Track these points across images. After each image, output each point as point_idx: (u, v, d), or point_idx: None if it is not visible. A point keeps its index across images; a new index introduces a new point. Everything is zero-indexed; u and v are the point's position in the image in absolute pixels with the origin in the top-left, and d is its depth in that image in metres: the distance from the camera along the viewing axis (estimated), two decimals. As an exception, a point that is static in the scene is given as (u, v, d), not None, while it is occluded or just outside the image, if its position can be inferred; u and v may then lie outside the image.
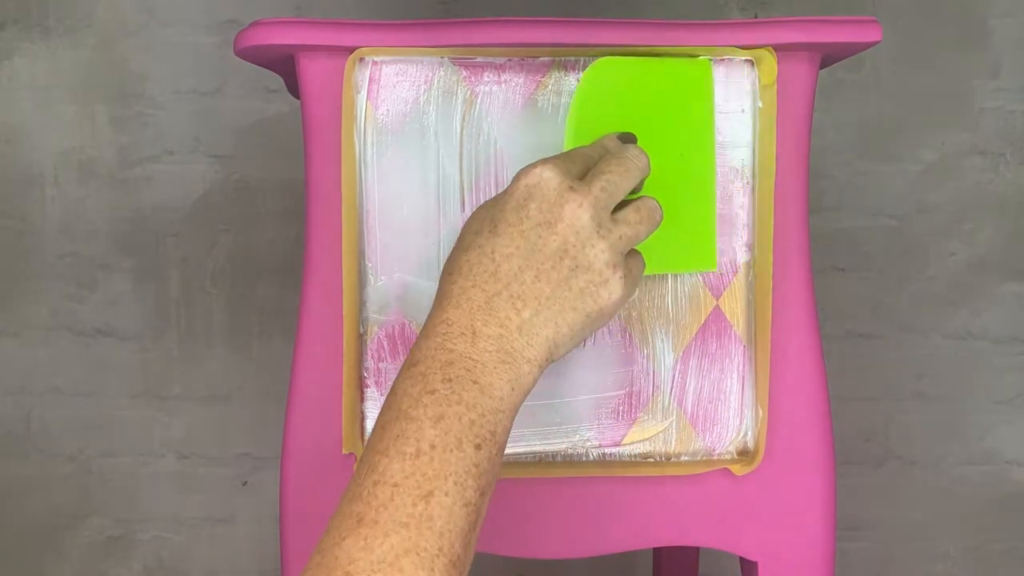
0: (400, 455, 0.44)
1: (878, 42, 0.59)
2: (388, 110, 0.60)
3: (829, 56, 0.62)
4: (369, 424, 0.62)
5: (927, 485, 1.22)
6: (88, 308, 1.21)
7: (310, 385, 0.61)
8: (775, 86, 0.60)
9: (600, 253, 0.49)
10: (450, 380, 0.46)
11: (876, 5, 1.18)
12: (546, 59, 0.60)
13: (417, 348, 0.48)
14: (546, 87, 0.60)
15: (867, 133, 1.19)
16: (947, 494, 1.22)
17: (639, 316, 0.62)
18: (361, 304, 0.61)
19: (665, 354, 0.62)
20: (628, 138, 0.56)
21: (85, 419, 1.22)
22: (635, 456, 0.62)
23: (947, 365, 1.21)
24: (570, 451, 0.62)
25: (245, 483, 1.23)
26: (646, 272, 0.56)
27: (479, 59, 0.60)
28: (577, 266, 0.49)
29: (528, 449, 0.62)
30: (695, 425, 0.63)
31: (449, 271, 0.50)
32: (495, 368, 0.47)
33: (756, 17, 1.18)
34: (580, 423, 0.62)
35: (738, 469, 0.62)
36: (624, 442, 0.62)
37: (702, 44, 0.59)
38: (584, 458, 0.62)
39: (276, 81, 0.75)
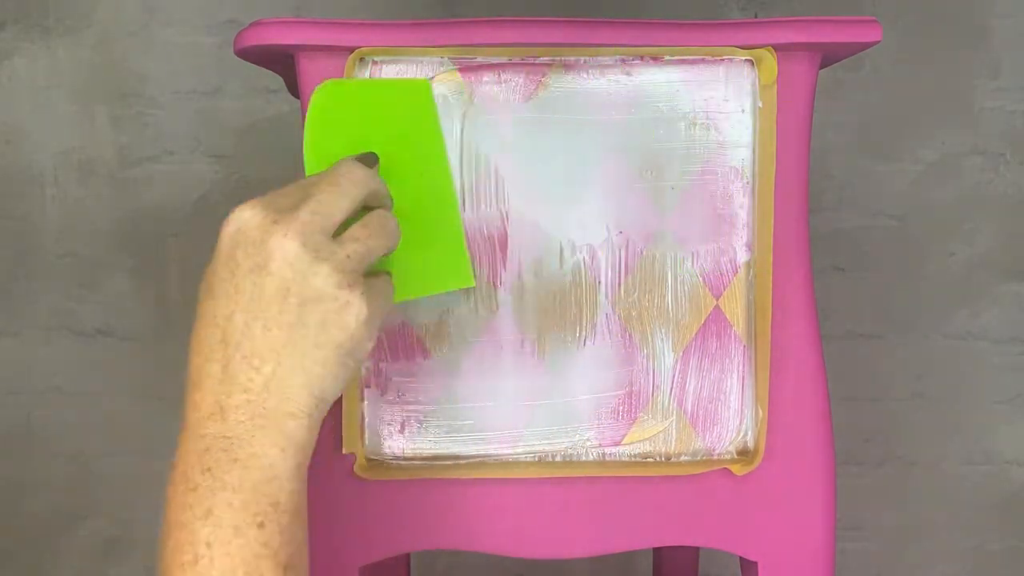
0: (180, 568, 0.41)
1: (878, 42, 0.59)
2: (388, 110, 0.60)
3: (829, 56, 0.62)
4: (369, 424, 0.62)
5: (927, 485, 1.22)
6: (88, 308, 1.21)
7: (310, 385, 0.61)
8: (775, 86, 0.60)
9: (326, 278, 0.45)
10: (209, 469, 0.43)
11: (876, 5, 1.18)
12: (546, 59, 0.60)
13: (177, 446, 0.45)
14: (546, 87, 0.60)
15: (867, 133, 1.19)
16: (947, 494, 1.22)
17: (639, 316, 0.62)
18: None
19: (665, 354, 0.62)
20: (368, 159, 0.53)
21: (85, 419, 1.22)
22: (635, 456, 0.62)
23: (947, 365, 1.21)
24: (570, 451, 0.62)
25: (245, 483, 1.23)
26: (405, 298, 0.54)
27: (479, 59, 0.60)
28: (305, 300, 0.45)
29: (528, 449, 0.62)
30: (695, 425, 0.63)
31: (189, 351, 0.47)
32: (252, 437, 0.44)
33: (756, 17, 1.18)
34: (580, 423, 0.62)
35: (738, 469, 0.62)
36: (624, 442, 0.62)
37: (702, 44, 0.59)
38: (584, 458, 0.62)
39: (276, 81, 0.75)
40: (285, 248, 0.44)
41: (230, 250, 0.45)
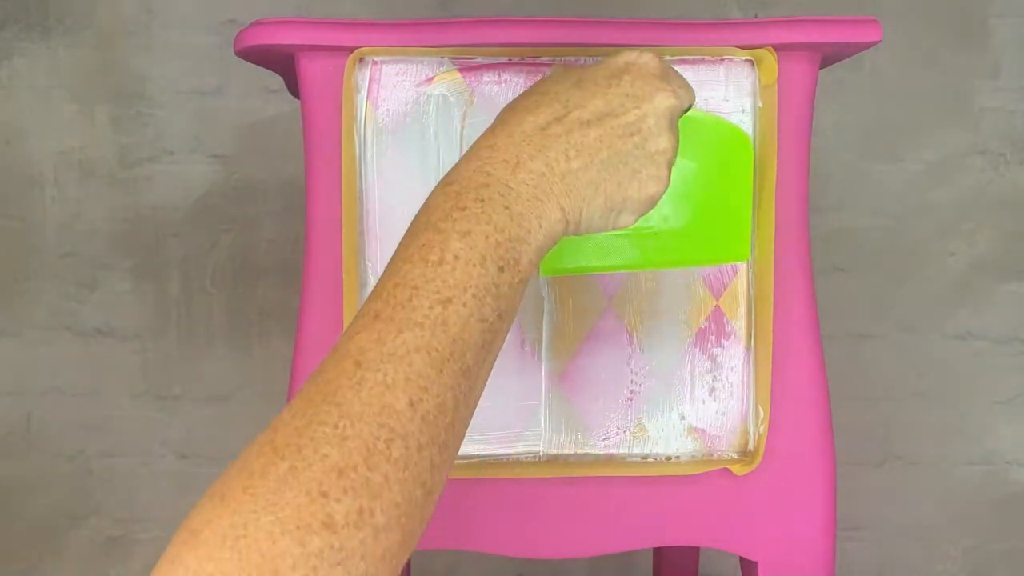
0: (423, 262, 0.44)
1: (878, 42, 0.59)
2: (388, 110, 0.60)
3: (829, 56, 0.62)
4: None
5: (927, 485, 1.22)
6: (88, 308, 1.21)
7: (310, 385, 0.61)
8: (775, 86, 0.60)
9: (668, 149, 0.49)
10: (482, 200, 0.46)
11: (876, 5, 1.18)
12: (546, 59, 0.60)
13: (455, 169, 0.47)
14: (546, 87, 0.60)
15: (867, 133, 1.19)
16: (947, 494, 1.22)
17: (639, 316, 0.62)
18: (361, 304, 0.61)
19: (665, 354, 0.62)
20: None
21: (85, 419, 1.22)
22: (635, 456, 0.62)
23: (947, 365, 1.21)
24: (570, 451, 0.62)
25: (245, 483, 1.23)
26: (686, 265, 0.59)
27: (479, 59, 0.60)
28: (644, 146, 0.49)
29: (528, 449, 0.62)
30: (695, 425, 0.63)
31: (513, 105, 0.50)
32: (528, 201, 0.46)
33: (756, 17, 1.18)
34: (580, 423, 0.62)
35: (738, 469, 0.62)
36: (624, 442, 0.62)
37: (702, 44, 0.59)
38: (584, 458, 0.62)
39: (276, 81, 0.75)
40: (665, 103, 0.49)
41: (619, 70, 0.50)
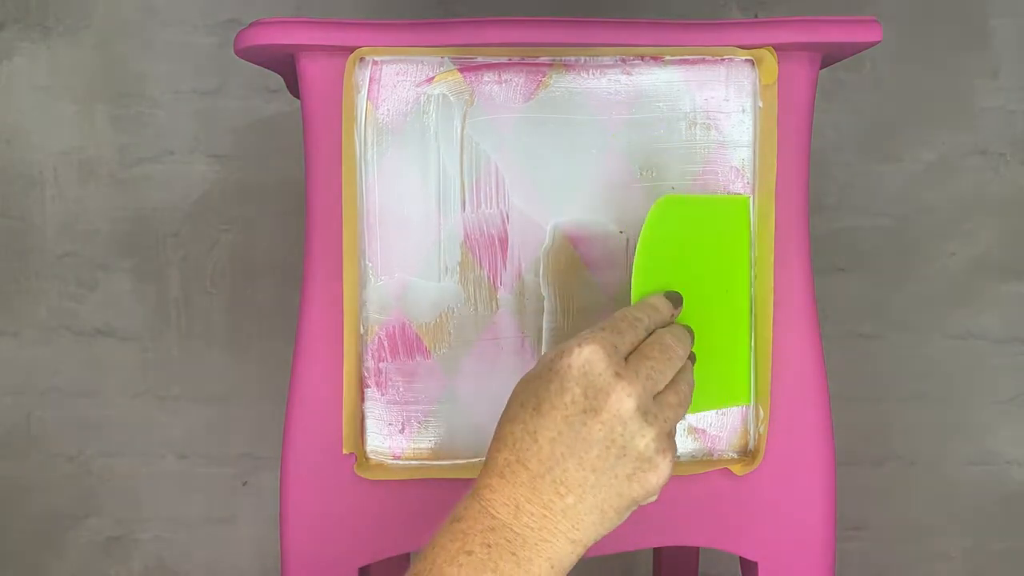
0: None
1: (878, 42, 0.59)
2: (388, 110, 0.60)
3: (829, 56, 0.62)
4: (369, 424, 0.62)
5: (927, 485, 1.22)
6: (88, 308, 1.21)
7: (310, 385, 0.61)
8: (775, 86, 0.60)
9: (651, 441, 0.48)
10: (489, 546, 0.46)
11: (876, 5, 1.18)
12: (546, 59, 0.60)
13: (462, 505, 0.48)
14: (546, 87, 0.60)
15: (867, 133, 1.19)
16: (947, 494, 1.22)
17: (639, 316, 0.61)
18: (361, 304, 0.61)
19: (665, 354, 0.62)
20: (676, 299, 0.56)
21: (85, 419, 1.22)
22: (635, 456, 0.62)
23: (947, 365, 1.21)
24: (570, 451, 0.62)
25: (245, 483, 1.23)
26: (689, 413, 0.56)
27: (479, 59, 0.60)
28: (625, 454, 0.48)
29: (528, 449, 0.62)
30: (695, 425, 0.63)
31: (496, 437, 0.50)
32: (536, 545, 0.47)
33: (756, 17, 1.18)
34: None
35: (738, 469, 0.62)
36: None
37: (702, 44, 0.59)
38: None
39: (276, 81, 0.75)
40: (623, 405, 0.47)
41: (568, 382, 0.48)
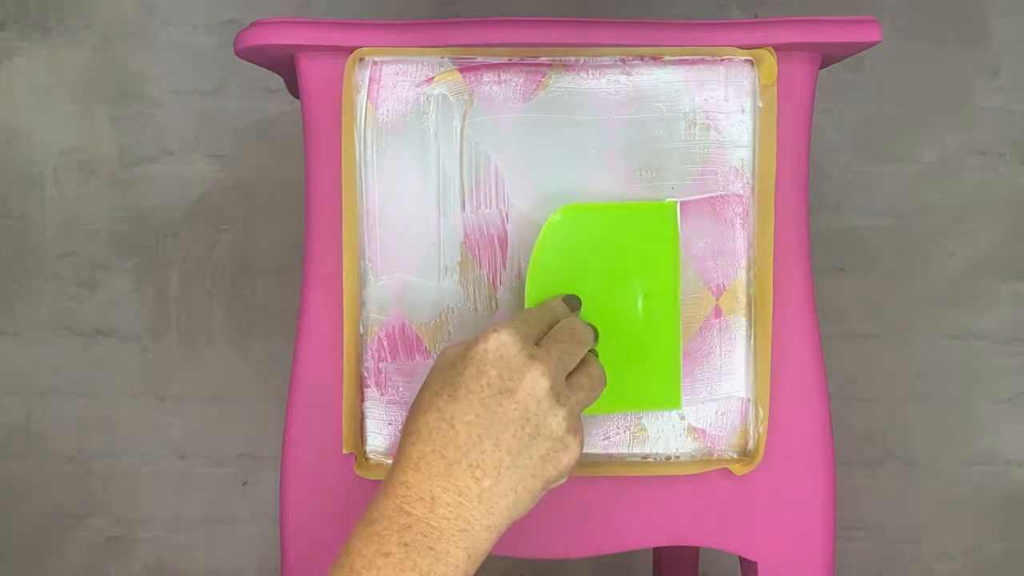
0: None
1: (878, 42, 0.59)
2: (388, 110, 0.60)
3: (829, 56, 0.62)
4: (369, 424, 0.62)
5: (927, 485, 1.22)
6: (88, 308, 1.21)
7: (310, 385, 0.61)
8: (775, 86, 0.60)
9: (562, 421, 0.50)
10: (406, 544, 0.47)
11: (876, 5, 1.18)
12: (546, 59, 0.60)
13: (375, 506, 0.48)
14: (546, 87, 0.60)
15: (867, 133, 1.19)
16: (947, 494, 1.22)
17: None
18: (361, 304, 0.61)
19: (665, 354, 0.62)
20: (573, 302, 0.57)
21: (85, 419, 1.22)
22: (635, 456, 0.62)
23: (947, 365, 1.21)
24: (570, 451, 0.62)
25: (245, 483, 1.23)
26: (612, 411, 0.60)
27: (479, 59, 0.60)
28: (539, 434, 0.49)
29: (528, 449, 0.62)
30: (695, 425, 0.63)
31: (408, 431, 0.50)
32: (452, 536, 0.47)
33: (756, 17, 1.18)
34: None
35: (738, 469, 0.62)
36: (624, 442, 0.62)
37: (702, 44, 0.59)
38: (585, 458, 0.62)
39: (276, 81, 0.75)
40: (537, 384, 0.49)
41: (484, 366, 0.49)
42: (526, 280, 0.58)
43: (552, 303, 0.56)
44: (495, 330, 0.50)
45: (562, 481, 0.51)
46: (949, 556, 1.23)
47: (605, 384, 0.54)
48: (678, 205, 0.60)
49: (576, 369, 0.53)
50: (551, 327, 0.54)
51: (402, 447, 0.50)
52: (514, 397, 0.49)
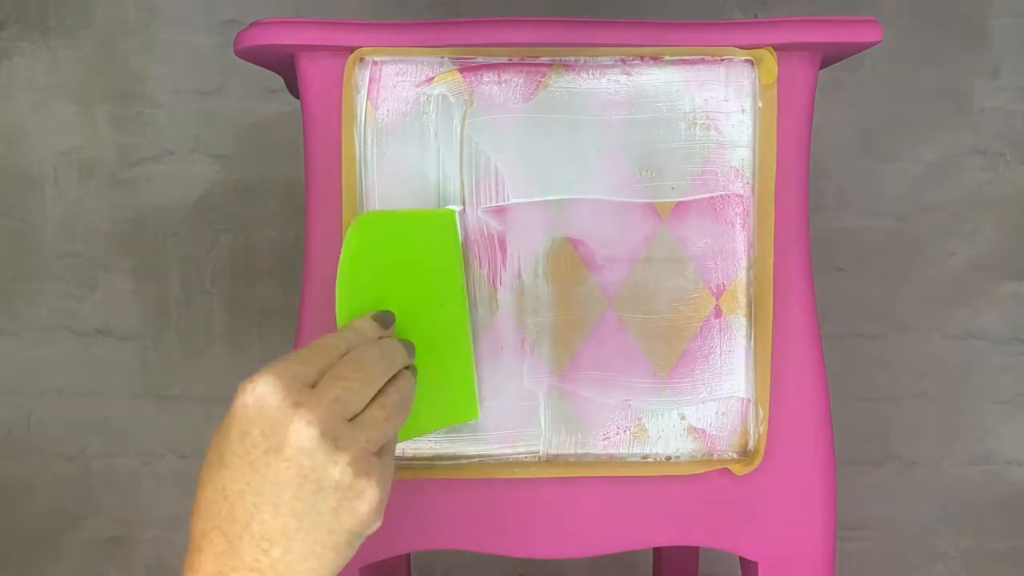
0: None
1: (878, 42, 0.59)
2: (388, 110, 0.60)
3: (829, 56, 0.62)
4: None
5: (927, 485, 1.22)
6: (88, 308, 1.21)
7: (310, 385, 0.61)
8: (775, 86, 0.60)
9: (346, 467, 0.44)
10: None
11: (876, 5, 1.18)
12: (546, 59, 0.60)
13: None
14: (546, 87, 0.60)
15: (867, 133, 1.19)
16: (947, 494, 1.22)
17: (639, 316, 0.61)
18: (361, 304, 0.61)
19: (665, 354, 0.62)
20: (385, 318, 0.53)
21: (85, 419, 1.22)
22: (635, 456, 0.62)
23: (947, 365, 1.21)
24: (570, 451, 0.62)
25: (245, 483, 1.23)
26: (411, 436, 0.54)
27: (479, 59, 0.60)
28: (321, 488, 0.44)
29: (528, 449, 0.62)
30: (695, 425, 0.63)
31: (192, 510, 0.45)
32: None
33: (756, 17, 1.18)
34: (580, 423, 0.62)
35: (738, 469, 0.62)
36: (624, 442, 0.62)
37: (702, 44, 0.59)
38: (585, 458, 0.62)
39: (276, 81, 0.75)
40: (304, 435, 0.44)
41: (245, 424, 0.44)
42: (336, 297, 0.53)
43: (358, 324, 0.51)
44: (252, 380, 0.44)
45: (374, 527, 0.46)
46: (949, 556, 1.23)
47: (409, 408, 0.49)
48: (456, 214, 0.59)
49: (371, 401, 0.47)
50: (343, 355, 0.48)
51: (189, 528, 0.45)
52: (283, 455, 0.43)
